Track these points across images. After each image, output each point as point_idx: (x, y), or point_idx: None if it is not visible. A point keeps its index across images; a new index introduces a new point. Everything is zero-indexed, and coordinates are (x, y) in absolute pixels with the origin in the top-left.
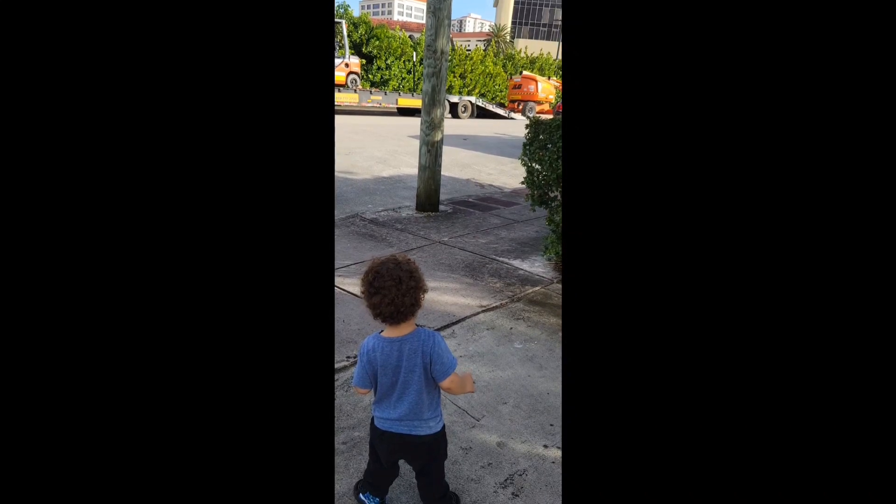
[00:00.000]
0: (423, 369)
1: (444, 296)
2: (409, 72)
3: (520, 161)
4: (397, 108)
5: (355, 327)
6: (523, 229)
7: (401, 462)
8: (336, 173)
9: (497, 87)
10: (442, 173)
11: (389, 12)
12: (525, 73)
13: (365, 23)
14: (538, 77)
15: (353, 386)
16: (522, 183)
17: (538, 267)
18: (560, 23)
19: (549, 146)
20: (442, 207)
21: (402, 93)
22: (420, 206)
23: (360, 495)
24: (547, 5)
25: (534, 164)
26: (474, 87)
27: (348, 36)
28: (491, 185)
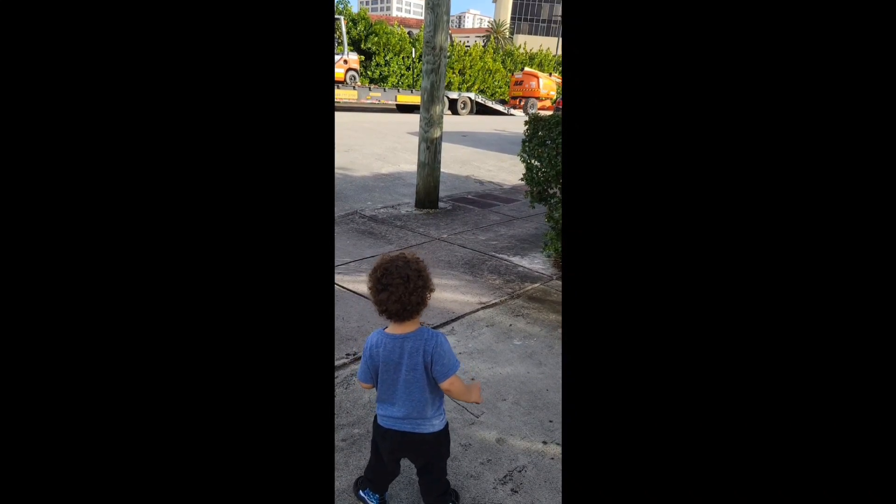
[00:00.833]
0: (425, 368)
1: (443, 293)
2: (407, 68)
3: (519, 158)
4: (396, 105)
5: (354, 324)
6: (522, 226)
7: (402, 460)
8: (335, 170)
9: (496, 83)
10: (441, 170)
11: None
12: (526, 69)
13: (364, 19)
14: (539, 73)
15: (357, 380)
16: (522, 179)
17: (537, 264)
18: (560, 18)
19: (549, 143)
20: (441, 204)
21: (401, 89)
22: (419, 203)
23: (360, 492)
24: (547, 1)
25: (533, 161)
26: (473, 84)
27: (347, 32)
28: (490, 182)
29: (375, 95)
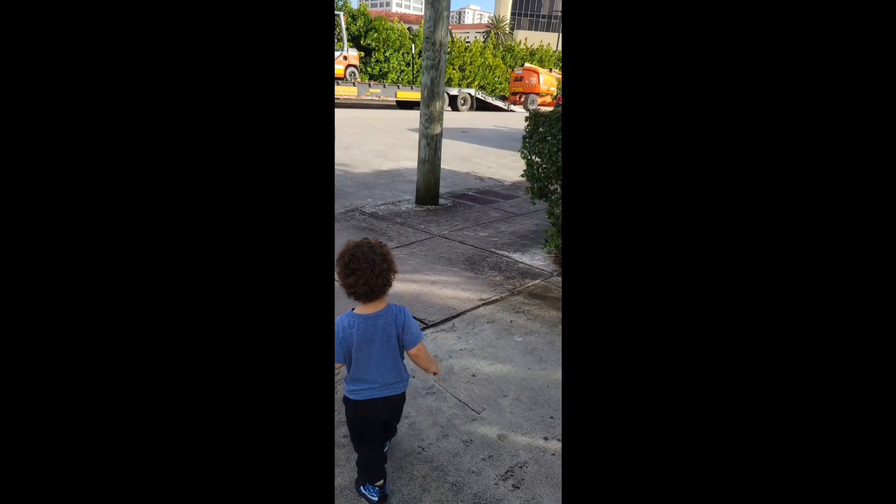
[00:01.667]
0: (397, 338)
1: (444, 289)
2: (407, 64)
3: (519, 154)
4: (396, 101)
5: None
6: (523, 222)
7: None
8: (335, 167)
9: (496, 79)
10: (441, 167)
11: (387, 4)
12: (527, 65)
13: (363, 15)
14: (540, 69)
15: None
16: (522, 176)
17: (538, 260)
18: (560, 14)
19: (549, 139)
20: (442, 201)
21: (401, 85)
22: (420, 200)
23: (361, 488)
24: None
25: (533, 157)
26: (473, 80)
27: (346, 28)
28: (490, 178)
29: (375, 92)
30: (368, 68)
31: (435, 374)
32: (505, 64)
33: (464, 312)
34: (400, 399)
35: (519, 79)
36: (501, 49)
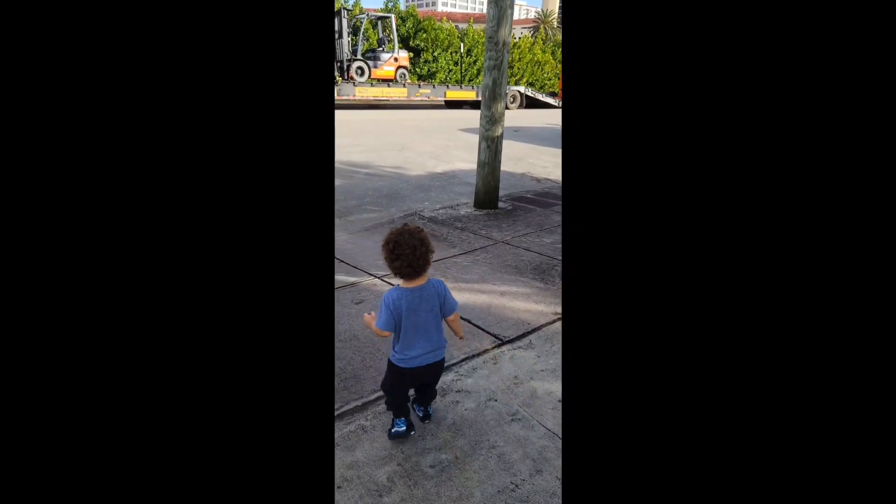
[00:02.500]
0: (439, 308)
1: (515, 301)
2: (455, 63)
3: None
4: (445, 101)
5: None
6: None
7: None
8: (390, 169)
9: (545, 75)
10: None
11: (433, 3)
12: None
13: (412, 16)
14: None
15: (378, 329)
16: None
17: None
18: None
19: None
20: (501, 204)
21: (450, 85)
22: (479, 204)
23: (392, 430)
24: None
25: None
26: (522, 77)
27: (396, 30)
28: (547, 179)
29: (425, 92)
30: (417, 69)
31: (461, 338)
32: (554, 59)
33: (539, 328)
34: (440, 364)
35: None
36: (551, 44)
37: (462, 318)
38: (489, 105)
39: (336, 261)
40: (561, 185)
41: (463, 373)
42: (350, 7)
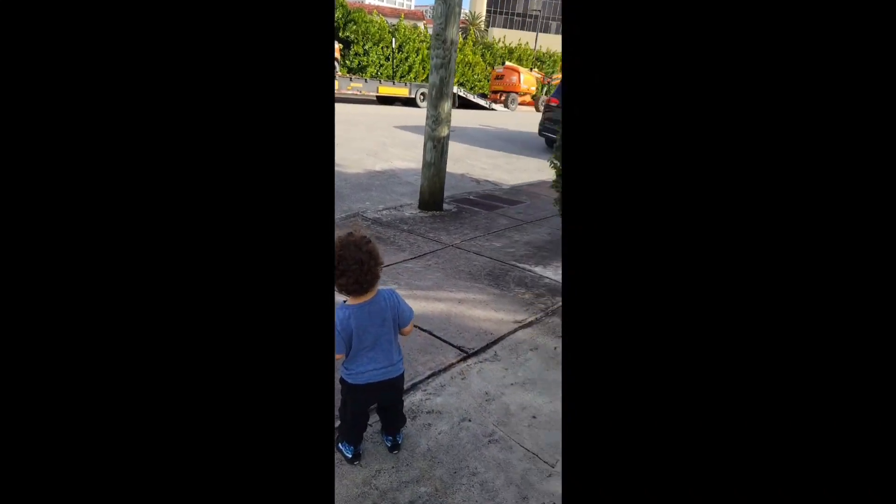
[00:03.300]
0: (393, 321)
1: (474, 309)
2: (387, 58)
3: (549, 164)
4: (376, 97)
5: None
6: (534, 231)
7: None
8: None
9: (476, 76)
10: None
11: None
12: (507, 63)
13: (342, 6)
14: (520, 68)
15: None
16: (553, 186)
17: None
18: (536, 14)
19: None
20: (446, 206)
21: (382, 80)
22: (424, 205)
23: (338, 445)
24: None
25: None
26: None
27: None
28: (487, 181)
29: (357, 86)
30: (347, 61)
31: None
32: (484, 61)
33: (502, 338)
34: (399, 380)
35: (500, 77)
36: (480, 46)
37: (422, 329)
38: (436, 104)
39: None
40: (502, 186)
41: (431, 391)
42: None
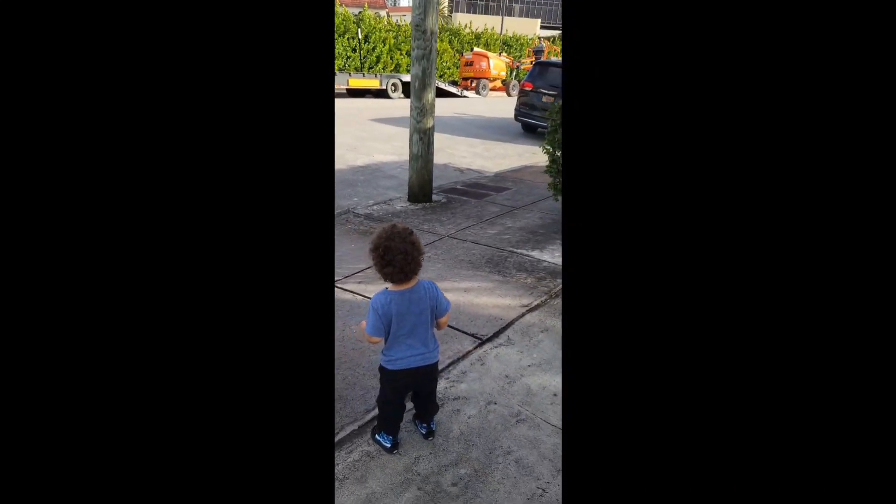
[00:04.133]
0: (431, 311)
1: (481, 297)
2: (353, 49)
3: (542, 150)
4: (346, 90)
5: None
6: (525, 216)
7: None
8: None
9: (444, 63)
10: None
11: None
12: (476, 49)
13: None
14: (490, 53)
15: (367, 335)
16: (546, 171)
17: (559, 257)
18: None
19: None
20: (434, 197)
21: (351, 73)
22: (413, 198)
23: (376, 436)
24: None
25: (558, 153)
26: None
27: None
28: (469, 170)
29: None
30: None
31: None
32: (452, 48)
33: (512, 322)
34: (434, 367)
35: (469, 63)
36: (448, 33)
37: None
38: (419, 95)
39: None
40: (486, 174)
41: (454, 378)
42: None
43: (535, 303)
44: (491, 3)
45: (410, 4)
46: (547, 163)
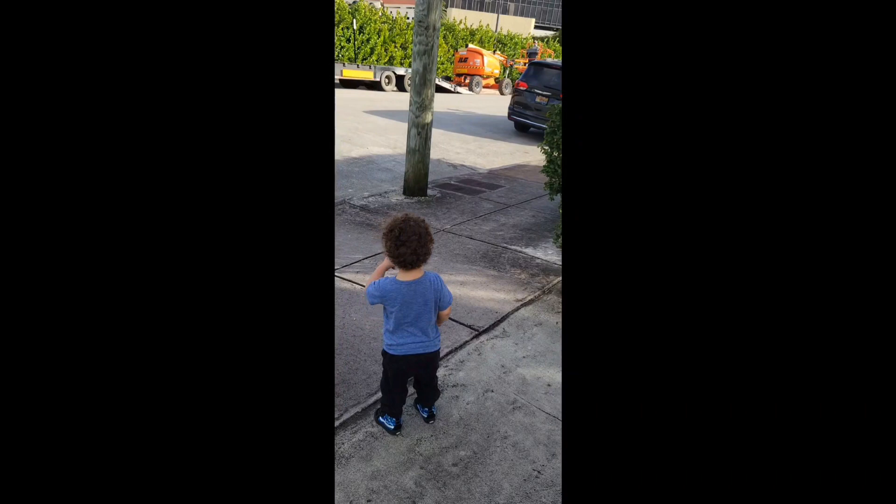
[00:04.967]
0: (434, 302)
1: (476, 291)
2: (347, 40)
3: (539, 149)
4: (339, 80)
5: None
6: (518, 214)
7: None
8: None
9: (438, 59)
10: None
11: None
12: (471, 46)
13: None
14: (484, 51)
15: (367, 291)
16: (543, 170)
17: (552, 255)
18: None
19: None
20: (429, 191)
21: (345, 63)
22: (408, 191)
23: (380, 419)
24: None
25: (555, 153)
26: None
27: None
28: (463, 166)
29: None
30: None
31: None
32: (446, 44)
33: (508, 315)
34: (435, 355)
35: (463, 60)
36: (442, 28)
37: None
38: (419, 91)
39: None
40: (479, 170)
41: (452, 367)
42: None
43: (529, 298)
44: (487, 1)
45: None
46: (544, 162)
